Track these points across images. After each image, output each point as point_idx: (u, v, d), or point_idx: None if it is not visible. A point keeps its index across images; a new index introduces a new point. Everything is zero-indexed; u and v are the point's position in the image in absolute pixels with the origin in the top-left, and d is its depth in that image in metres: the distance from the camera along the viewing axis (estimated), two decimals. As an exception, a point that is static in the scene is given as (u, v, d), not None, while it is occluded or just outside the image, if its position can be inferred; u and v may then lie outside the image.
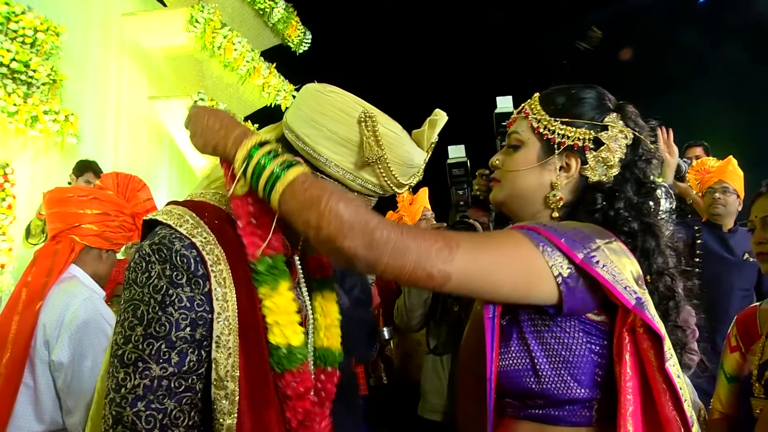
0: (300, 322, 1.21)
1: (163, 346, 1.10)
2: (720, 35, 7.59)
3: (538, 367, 1.14)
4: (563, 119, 1.28)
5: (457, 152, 2.58)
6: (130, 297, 1.14)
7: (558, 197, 1.27)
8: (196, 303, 1.13)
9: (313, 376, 1.31)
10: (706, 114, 6.84)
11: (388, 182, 1.21)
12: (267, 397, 1.18)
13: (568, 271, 1.09)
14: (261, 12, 7.48)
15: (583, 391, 1.13)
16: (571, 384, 1.13)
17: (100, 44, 6.11)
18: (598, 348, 1.14)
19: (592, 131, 1.26)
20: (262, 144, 1.14)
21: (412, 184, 1.27)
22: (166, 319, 1.11)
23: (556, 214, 1.27)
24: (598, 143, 1.26)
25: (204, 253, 1.16)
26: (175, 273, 1.14)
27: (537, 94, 1.35)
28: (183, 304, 1.12)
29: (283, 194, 1.07)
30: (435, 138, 1.26)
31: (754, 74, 7.26)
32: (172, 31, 6.39)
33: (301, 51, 8.32)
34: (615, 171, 1.26)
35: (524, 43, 8.96)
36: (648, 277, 1.22)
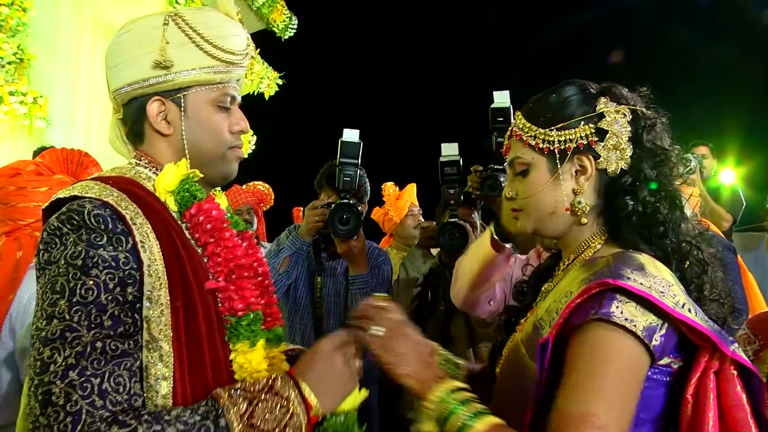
0: None
1: (93, 311, 1.03)
2: (714, 33, 7.57)
3: None
4: (557, 126, 1.25)
5: (450, 150, 2.58)
6: (47, 279, 1.06)
7: (583, 203, 1.24)
8: (121, 261, 1.08)
9: None
10: (699, 113, 6.78)
11: (222, 56, 1.26)
12: (202, 360, 1.14)
13: (662, 331, 1.08)
14: (245, -6, 7.23)
15: None
16: None
17: (71, 22, 5.78)
18: (650, 391, 1.11)
19: (590, 124, 1.24)
20: (456, 390, 1.16)
21: (251, 54, 1.36)
22: (93, 283, 1.04)
23: (584, 220, 1.25)
24: (601, 133, 1.23)
25: (120, 209, 1.12)
26: (92, 235, 1.08)
27: (519, 113, 1.34)
28: (107, 264, 1.07)
29: None
30: (235, 7, 1.34)
31: (748, 73, 7.25)
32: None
33: (286, 37, 8.07)
34: (629, 152, 1.23)
35: (518, 40, 8.90)
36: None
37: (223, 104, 1.30)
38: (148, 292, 1.09)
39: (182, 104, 1.26)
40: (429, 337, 2.84)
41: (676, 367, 1.12)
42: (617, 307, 1.06)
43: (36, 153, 4.24)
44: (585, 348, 1.07)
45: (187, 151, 1.28)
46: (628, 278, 1.07)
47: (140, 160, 1.30)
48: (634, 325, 1.05)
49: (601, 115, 1.24)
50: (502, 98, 2.32)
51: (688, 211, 1.28)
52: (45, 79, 5.23)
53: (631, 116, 1.24)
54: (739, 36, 7.41)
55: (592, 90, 1.29)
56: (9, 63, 4.72)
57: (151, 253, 1.12)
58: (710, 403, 1.07)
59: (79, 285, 1.04)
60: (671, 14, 8.33)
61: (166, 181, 1.24)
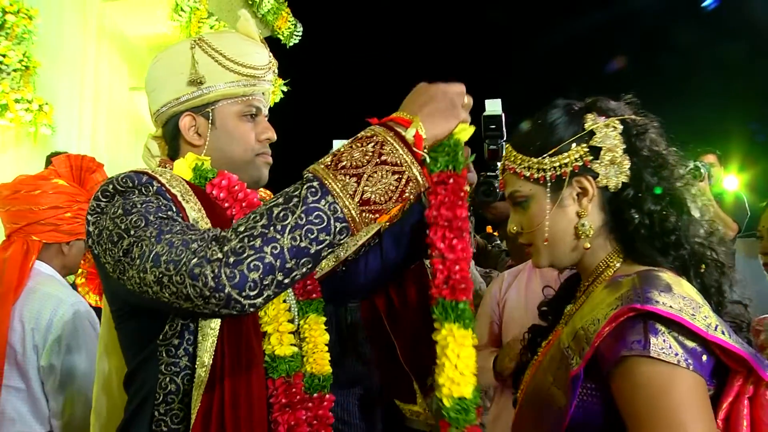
0: (293, 331, 1.27)
1: (150, 224, 1.10)
2: (719, 38, 7.55)
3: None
4: (549, 152, 1.23)
5: None
6: (104, 244, 1.14)
7: (587, 226, 1.21)
8: (152, 200, 1.17)
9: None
10: (702, 118, 6.77)
11: (244, 71, 1.39)
12: None
13: (705, 356, 1.05)
14: (250, 2, 7.28)
15: None
16: None
17: (77, 30, 5.83)
18: None
19: (582, 144, 1.21)
20: None
21: (274, 69, 1.48)
22: (137, 216, 1.12)
23: (587, 245, 1.22)
24: (595, 151, 1.21)
25: (142, 170, 1.24)
26: (123, 190, 1.19)
27: (508, 145, 1.31)
28: (142, 202, 1.15)
29: None
30: (257, 29, 1.48)
31: (752, 78, 7.23)
32: (155, 19, 6.17)
33: (291, 44, 8.12)
34: (627, 164, 1.20)
35: (520, 45, 8.93)
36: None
37: (248, 114, 1.42)
38: (193, 212, 1.20)
39: (210, 117, 1.40)
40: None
41: (710, 394, 1.07)
42: (658, 338, 1.02)
43: (48, 158, 4.29)
44: (643, 394, 1.02)
45: (217, 158, 1.39)
46: (657, 301, 1.04)
47: (165, 167, 1.41)
48: (684, 360, 1.02)
49: (592, 133, 1.21)
50: (493, 106, 2.34)
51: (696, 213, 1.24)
52: (50, 87, 5.24)
53: (621, 127, 1.22)
54: (743, 41, 7.39)
55: (577, 108, 1.26)
56: (15, 70, 4.70)
57: (182, 188, 1.23)
58: (743, 429, 1.04)
59: (128, 221, 1.12)
60: (673, 19, 8.33)
61: (181, 174, 1.34)
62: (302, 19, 8.21)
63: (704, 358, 1.03)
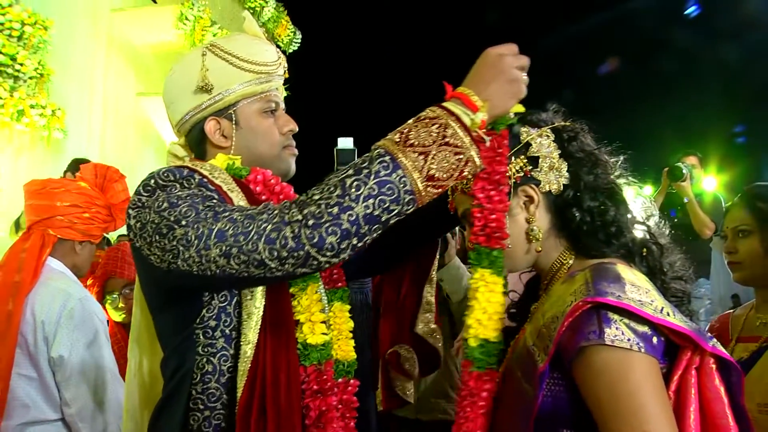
0: (324, 321, 1.29)
1: (201, 213, 1.15)
2: (714, 38, 7.55)
3: (576, 419, 1.14)
4: None
5: None
6: (149, 238, 1.18)
7: (536, 231, 1.27)
8: (195, 192, 1.21)
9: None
10: (698, 118, 6.82)
11: (258, 68, 1.42)
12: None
13: (655, 337, 1.09)
14: (251, 10, 7.48)
15: None
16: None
17: (88, 39, 6.07)
18: None
19: (521, 157, 1.27)
20: None
21: (284, 64, 1.51)
22: (186, 207, 1.16)
23: (539, 248, 1.28)
24: (533, 160, 1.27)
25: (183, 164, 1.28)
26: (164, 184, 1.22)
27: None
28: (186, 195, 1.19)
29: None
30: (260, 29, 1.51)
31: (747, 78, 7.24)
32: (161, 27, 6.39)
33: (291, 50, 8.33)
34: (565, 167, 1.27)
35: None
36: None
37: (268, 110, 1.45)
38: (241, 201, 1.24)
39: (234, 118, 1.42)
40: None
41: (663, 371, 1.12)
42: (611, 327, 1.08)
43: (71, 164, 4.40)
44: (602, 380, 1.08)
45: (246, 156, 1.42)
46: (607, 292, 1.10)
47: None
48: (636, 345, 1.07)
49: (528, 144, 1.27)
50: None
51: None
52: (62, 93, 5.45)
53: (554, 135, 1.29)
54: (729, 45, 7.46)
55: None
56: (30, 78, 4.91)
57: (224, 180, 1.27)
58: (691, 398, 1.10)
59: (177, 213, 1.16)
60: (658, 23, 8.39)
61: None
62: (301, 25, 8.41)
63: (654, 340, 1.08)
